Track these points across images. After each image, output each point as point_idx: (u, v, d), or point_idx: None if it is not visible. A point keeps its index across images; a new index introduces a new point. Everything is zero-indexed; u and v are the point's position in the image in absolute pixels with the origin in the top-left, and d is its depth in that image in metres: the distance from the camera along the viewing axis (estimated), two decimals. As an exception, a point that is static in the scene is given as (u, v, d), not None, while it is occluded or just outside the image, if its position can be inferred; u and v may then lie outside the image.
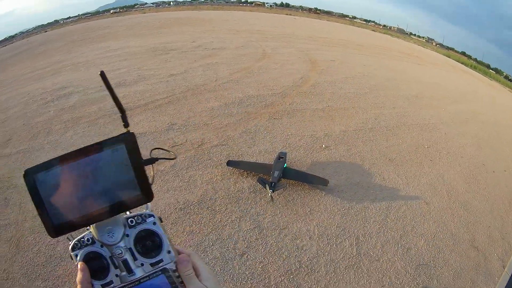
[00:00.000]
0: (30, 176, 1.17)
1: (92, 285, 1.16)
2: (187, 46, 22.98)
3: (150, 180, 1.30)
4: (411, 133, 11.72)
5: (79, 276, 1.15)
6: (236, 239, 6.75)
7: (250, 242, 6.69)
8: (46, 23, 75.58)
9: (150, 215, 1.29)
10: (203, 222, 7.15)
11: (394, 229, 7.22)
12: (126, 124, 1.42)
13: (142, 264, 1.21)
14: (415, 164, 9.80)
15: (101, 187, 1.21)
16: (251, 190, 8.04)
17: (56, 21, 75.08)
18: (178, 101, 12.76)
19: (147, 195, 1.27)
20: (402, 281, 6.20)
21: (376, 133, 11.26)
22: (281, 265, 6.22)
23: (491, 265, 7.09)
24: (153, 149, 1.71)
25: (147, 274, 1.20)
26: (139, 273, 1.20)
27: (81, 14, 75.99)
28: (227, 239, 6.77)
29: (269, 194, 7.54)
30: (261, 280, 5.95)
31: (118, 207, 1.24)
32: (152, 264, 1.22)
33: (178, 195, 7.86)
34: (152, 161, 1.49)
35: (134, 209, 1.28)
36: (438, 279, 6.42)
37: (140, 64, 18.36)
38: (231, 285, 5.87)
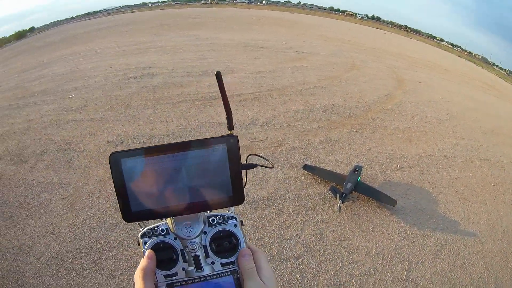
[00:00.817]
0: (117, 159, 1.18)
1: (155, 273, 1.18)
2: (278, 46, 23.07)
3: (243, 184, 1.31)
4: (481, 168, 11.53)
5: (144, 262, 1.16)
6: (296, 241, 6.95)
7: (309, 247, 6.87)
8: (133, 3, 76.12)
9: (233, 217, 1.31)
10: (268, 219, 7.40)
11: (446, 262, 7.28)
12: (230, 127, 1.60)
13: (213, 263, 1.23)
14: (479, 201, 9.67)
15: (193, 183, 1.22)
16: (321, 197, 8.26)
17: (144, 4, 75.34)
18: (263, 98, 13.03)
19: (239, 199, 1.28)
20: (439, 316, 6.31)
21: (449, 162, 11.21)
22: (332, 275, 6.38)
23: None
24: (249, 155, 1.86)
25: (215, 273, 1.22)
26: (207, 270, 1.22)
27: (171, 0, 75.99)
28: (287, 240, 6.97)
29: (338, 204, 7.74)
30: (310, 285, 6.13)
31: (206, 206, 1.25)
32: (223, 264, 1.23)
33: (250, 188, 8.04)
34: (250, 166, 1.60)
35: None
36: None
37: (229, 57, 18.62)
38: (280, 285, 6.06)
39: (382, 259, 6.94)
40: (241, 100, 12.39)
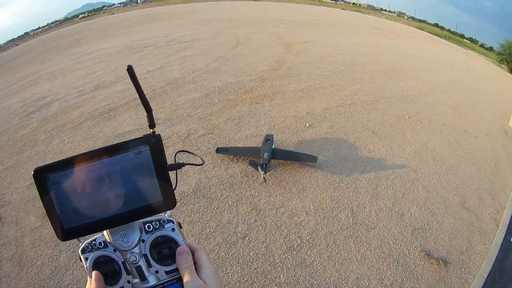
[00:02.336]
0: (41, 175, 1.10)
1: None
2: (161, 42, 23.09)
3: (173, 186, 1.24)
4: (391, 105, 11.91)
5: (93, 285, 1.12)
6: (235, 223, 6.85)
7: (250, 224, 6.80)
8: (16, 36, 74.64)
9: (169, 221, 1.26)
10: (201, 210, 7.22)
11: (386, 197, 7.39)
12: (151, 125, 1.39)
13: (157, 272, 1.19)
14: (398, 135, 9.98)
15: (120, 192, 1.16)
16: (243, 174, 8.16)
17: (27, 33, 74.01)
18: (158, 96, 12.89)
19: (170, 203, 1.21)
20: (400, 245, 6.38)
21: (356, 108, 11.45)
22: (283, 243, 6.34)
23: (484, 224, 7.29)
24: (178, 152, 1.73)
25: (161, 282, 1.18)
26: (152, 280, 1.18)
27: (51, 23, 74.98)
28: (227, 224, 6.86)
29: (262, 176, 7.67)
30: (266, 259, 6.07)
31: (137, 214, 1.18)
32: (167, 272, 1.19)
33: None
34: (178, 166, 1.45)
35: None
36: (435, 241, 6.59)
37: (116, 64, 18.40)
38: (238, 268, 5.96)
39: (323, 213, 6.97)
40: (138, 104, 12.06)
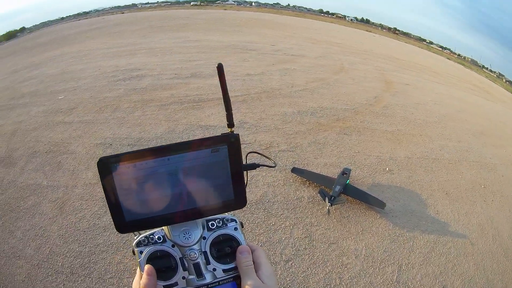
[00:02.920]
0: (107, 165, 1.11)
1: None
2: (266, 49, 23.09)
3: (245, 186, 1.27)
4: (470, 170, 11.55)
5: (144, 279, 1.10)
6: (285, 245, 6.92)
7: (298, 250, 6.84)
8: (123, 4, 76.19)
9: (232, 220, 1.26)
10: (256, 222, 7.35)
11: (436, 264, 7.29)
12: (230, 124, 1.47)
13: (215, 269, 1.18)
14: (469, 202, 9.71)
15: (192, 188, 1.17)
16: (310, 200, 8.24)
17: (134, 5, 75.68)
18: (252, 101, 13.04)
19: (241, 202, 1.25)
20: (431, 317, 6.30)
21: (438, 164, 11.23)
22: (322, 278, 6.35)
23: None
24: (249, 152, 1.73)
25: (217, 280, 1.17)
26: (209, 278, 1.16)
27: (161, 1, 76.05)
28: (276, 243, 6.93)
29: (327, 207, 7.71)
30: None
31: (205, 212, 1.21)
32: (225, 271, 1.18)
33: None
34: (253, 167, 1.48)
35: None
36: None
37: (217, 59, 18.39)
38: None
39: (372, 261, 6.93)
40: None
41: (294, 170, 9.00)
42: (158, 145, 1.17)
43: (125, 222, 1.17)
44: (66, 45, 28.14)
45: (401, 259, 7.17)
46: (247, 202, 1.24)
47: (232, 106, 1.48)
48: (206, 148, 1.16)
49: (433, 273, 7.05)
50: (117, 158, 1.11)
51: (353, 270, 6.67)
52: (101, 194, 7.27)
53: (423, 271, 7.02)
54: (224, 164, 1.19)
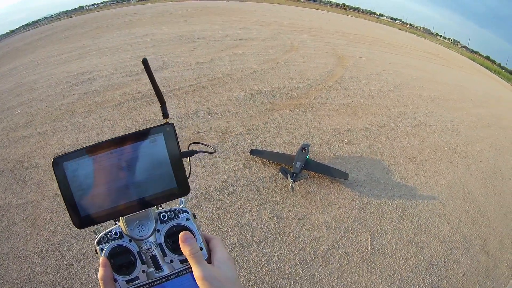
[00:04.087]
0: (60, 164, 1.14)
1: (116, 280, 1.15)
2: (215, 36, 23.07)
3: (187, 174, 1.30)
4: (432, 133, 11.73)
5: (100, 272, 1.13)
6: (254, 226, 6.85)
7: (268, 230, 6.80)
8: (70, 9, 75.90)
9: (184, 211, 1.27)
10: (223, 208, 7.23)
11: (409, 227, 7.30)
12: (165, 115, 1.48)
13: (172, 261, 1.20)
14: (434, 165, 9.84)
15: (136, 179, 1.19)
16: (273, 179, 8.15)
17: (81, 7, 75.47)
18: (204, 89, 12.87)
19: (184, 189, 1.25)
20: (412, 279, 6.28)
21: (398, 131, 11.32)
22: (297, 255, 6.32)
23: (499, 271, 7.12)
24: (191, 143, 1.79)
25: (176, 271, 1.20)
26: (167, 269, 1.19)
27: (107, 1, 75.97)
28: (245, 226, 6.85)
29: (290, 184, 7.63)
30: (276, 268, 6.06)
31: (152, 200, 1.22)
32: (182, 261, 1.20)
33: (200, 181, 7.91)
34: (190, 153, 1.51)
35: (167, 203, 1.28)
36: (447, 280, 6.49)
37: (167, 51, 18.55)
38: (246, 271, 5.96)
39: (344, 232, 6.93)
40: (182, 93, 12.32)
41: (253, 152, 8.94)
42: (100, 140, 1.25)
43: (80, 218, 1.17)
44: (18, 58, 27.75)
45: (372, 226, 7.18)
46: (193, 191, 1.22)
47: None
48: (144, 139, 1.20)
49: (407, 236, 7.08)
50: (67, 156, 1.15)
51: (326, 243, 6.64)
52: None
53: (397, 236, 7.05)
54: (163, 153, 1.22)
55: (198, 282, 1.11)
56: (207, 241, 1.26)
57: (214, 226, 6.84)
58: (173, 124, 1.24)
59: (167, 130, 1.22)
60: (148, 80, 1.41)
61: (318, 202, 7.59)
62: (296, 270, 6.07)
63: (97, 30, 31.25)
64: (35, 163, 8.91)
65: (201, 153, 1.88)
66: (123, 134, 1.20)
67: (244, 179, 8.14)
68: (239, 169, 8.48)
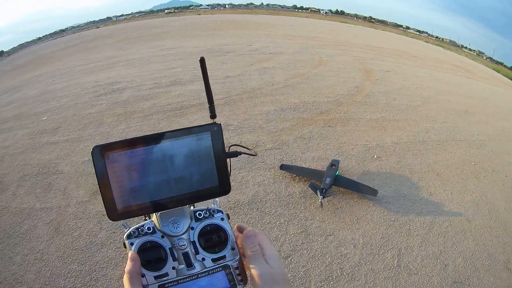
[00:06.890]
0: (100, 153, 1.15)
1: (144, 275, 1.13)
2: (243, 49, 23.21)
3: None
4: (459, 148, 11.64)
5: (128, 265, 1.11)
6: (282, 241, 6.88)
7: (296, 245, 6.81)
8: (98, 19, 76.45)
9: (219, 211, 1.30)
10: (251, 222, 7.28)
11: (436, 244, 7.28)
12: (213, 115, 1.48)
13: (204, 259, 1.20)
14: (461, 181, 9.75)
15: (178, 174, 1.21)
16: (302, 195, 8.20)
17: (109, 18, 76.08)
18: (234, 102, 13.03)
19: (225, 188, 1.29)
20: (437, 296, 6.29)
21: (426, 147, 11.29)
22: (323, 271, 6.32)
23: (520, 288, 7.12)
24: (231, 145, 1.70)
25: (206, 269, 1.19)
26: (198, 267, 1.19)
27: (135, 12, 76.37)
28: (273, 241, 6.85)
29: (319, 200, 7.67)
30: (302, 283, 6.07)
31: (193, 197, 1.25)
32: (213, 260, 1.21)
33: (230, 194, 7.63)
34: (235, 154, 1.50)
35: (204, 202, 1.31)
36: (470, 298, 6.49)
37: (195, 64, 18.18)
38: None
39: (371, 249, 6.92)
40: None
41: (283, 167, 9.01)
42: (148, 134, 1.21)
43: (116, 210, 1.18)
44: (44, 65, 28.17)
45: (399, 243, 7.17)
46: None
47: (214, 110, 1.52)
48: (191, 136, 1.22)
49: (433, 254, 7.05)
50: (110, 147, 1.16)
51: (353, 260, 6.65)
52: (93, 209, 7.08)
53: (423, 253, 7.02)
54: (208, 151, 1.24)
55: (256, 279, 1.14)
56: (249, 236, 1.24)
57: (241, 240, 6.91)
58: (220, 124, 1.27)
59: (215, 129, 1.25)
60: (202, 80, 1.47)
61: (347, 218, 7.63)
62: (321, 286, 6.10)
63: (125, 41, 31.61)
64: (61, 169, 9.10)
65: (246, 154, 1.66)
66: (170, 129, 1.22)
67: (273, 194, 8.22)
68: (269, 183, 8.56)
